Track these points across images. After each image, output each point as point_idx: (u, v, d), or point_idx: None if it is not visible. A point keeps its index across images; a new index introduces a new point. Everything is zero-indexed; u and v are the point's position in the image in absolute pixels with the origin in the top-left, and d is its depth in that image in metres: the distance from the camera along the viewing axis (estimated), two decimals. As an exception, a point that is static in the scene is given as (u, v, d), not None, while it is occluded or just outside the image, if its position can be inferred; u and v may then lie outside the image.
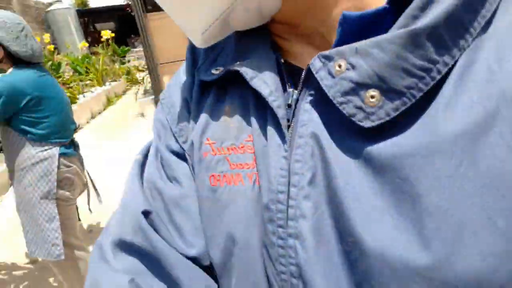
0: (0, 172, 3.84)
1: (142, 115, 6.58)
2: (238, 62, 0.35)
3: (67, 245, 1.83)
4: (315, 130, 0.29)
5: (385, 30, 0.26)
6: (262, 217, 0.31)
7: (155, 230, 0.37)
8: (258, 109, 0.34)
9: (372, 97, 0.25)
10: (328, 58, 0.27)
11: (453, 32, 0.24)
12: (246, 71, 0.33)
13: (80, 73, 8.77)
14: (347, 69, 0.26)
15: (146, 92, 7.39)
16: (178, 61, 5.85)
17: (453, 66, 0.24)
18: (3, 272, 2.49)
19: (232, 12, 0.31)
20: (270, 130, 0.31)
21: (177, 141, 0.41)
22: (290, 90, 0.32)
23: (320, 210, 0.28)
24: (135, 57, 13.85)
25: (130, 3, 6.22)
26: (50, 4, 13.41)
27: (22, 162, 1.71)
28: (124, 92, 9.69)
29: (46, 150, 1.73)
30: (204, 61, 0.40)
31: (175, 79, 0.45)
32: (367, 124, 0.26)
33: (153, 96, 6.57)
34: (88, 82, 8.52)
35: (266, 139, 0.32)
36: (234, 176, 0.34)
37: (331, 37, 0.30)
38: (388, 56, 0.25)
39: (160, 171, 0.41)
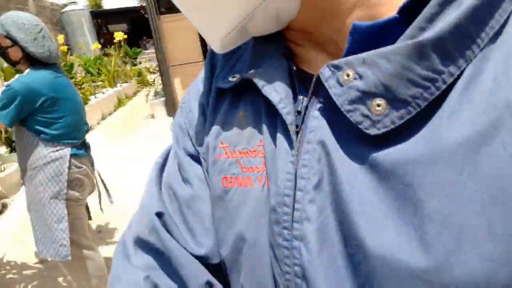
0: (12, 171, 3.90)
1: (153, 116, 6.63)
2: (252, 70, 0.36)
3: (76, 245, 1.84)
4: (323, 137, 0.30)
5: (395, 40, 0.27)
6: (270, 219, 0.32)
7: (168, 230, 0.39)
8: (269, 115, 0.35)
9: (378, 105, 0.26)
10: (337, 68, 0.28)
11: (459, 44, 0.24)
12: (258, 79, 0.34)
13: (92, 74, 8.87)
14: (355, 78, 0.27)
15: (156, 94, 7.45)
16: (189, 63, 5.89)
17: (459, 76, 0.25)
18: (13, 271, 2.52)
19: (251, 20, 0.32)
20: (280, 135, 0.33)
21: (193, 144, 0.43)
22: (301, 97, 0.34)
23: (325, 214, 0.29)
24: (146, 59, 13.98)
25: (144, 5, 6.28)
26: (65, 5, 13.63)
27: (34, 162, 1.73)
28: (135, 93, 9.78)
29: (58, 150, 1.75)
30: (222, 69, 0.42)
31: (194, 85, 0.46)
32: (373, 131, 0.26)
33: (163, 98, 6.62)
34: (99, 83, 8.62)
35: (276, 144, 0.33)
36: (245, 179, 0.35)
37: (344, 45, 0.30)
38: (393, 66, 0.25)
39: (176, 173, 0.43)
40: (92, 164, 1.97)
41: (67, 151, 1.77)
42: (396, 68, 0.25)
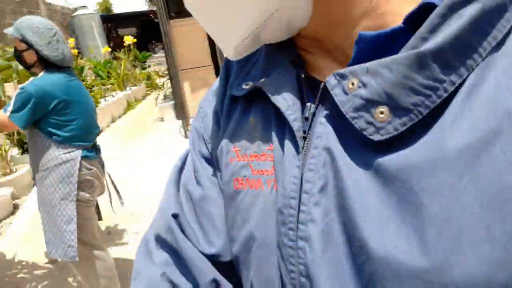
0: (24, 173, 3.96)
1: (162, 119, 6.68)
2: (263, 79, 0.38)
3: (86, 245, 1.87)
4: (329, 142, 0.31)
5: (400, 49, 0.28)
6: (277, 220, 0.34)
7: (182, 230, 0.43)
8: (278, 121, 0.36)
9: (382, 113, 0.27)
10: (343, 76, 0.29)
11: (460, 53, 0.25)
12: (268, 88, 0.36)
13: (101, 78, 8.96)
14: (359, 87, 0.28)
15: (166, 97, 7.50)
16: (198, 67, 5.93)
17: (461, 84, 0.25)
18: (24, 271, 2.55)
19: (264, 28, 0.33)
20: (287, 141, 0.34)
21: (207, 148, 0.45)
22: (308, 104, 0.35)
23: (330, 216, 0.30)
24: (155, 62, 14.08)
25: (154, 9, 6.33)
26: (76, 9, 13.81)
27: (45, 163, 1.76)
28: (144, 97, 9.85)
29: (69, 152, 1.78)
30: (237, 76, 0.43)
31: (211, 91, 0.49)
32: (377, 137, 0.27)
33: (172, 102, 6.66)
34: (109, 86, 8.70)
35: (284, 149, 0.34)
36: (255, 181, 0.37)
37: (352, 53, 0.32)
38: (395, 76, 0.26)
39: (191, 175, 0.46)
40: (102, 166, 2.00)
41: (78, 153, 1.80)
42: (397, 78, 0.26)
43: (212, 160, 0.44)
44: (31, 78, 1.72)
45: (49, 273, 2.49)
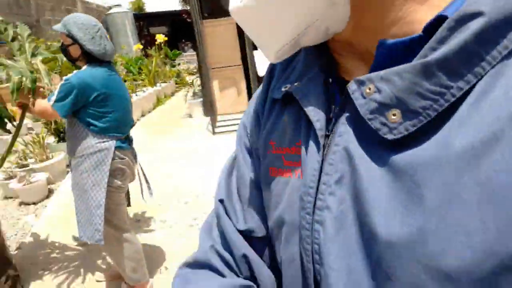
0: (59, 160, 4.16)
1: (190, 116, 6.81)
2: (296, 83, 0.43)
3: (117, 228, 1.99)
4: (348, 140, 0.35)
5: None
6: (299, 205, 0.39)
7: (226, 212, 0.52)
8: (306, 121, 0.41)
9: (394, 115, 0.30)
10: (362, 83, 0.33)
11: (466, 62, 0.27)
12: (297, 92, 0.41)
13: (133, 73, 9.22)
14: (375, 92, 0.31)
15: (195, 94, 7.64)
16: (227, 66, 6.02)
17: (470, 90, 0.28)
18: (56, 251, 2.71)
19: (304, 35, 0.37)
20: (312, 138, 0.39)
21: (249, 141, 0.53)
22: (333, 106, 0.39)
23: (345, 205, 0.34)
24: (185, 61, 14.31)
25: (187, 9, 6.46)
26: (110, 7, 14.22)
27: (81, 151, 1.88)
28: (173, 93, 10.05)
29: (104, 142, 1.89)
30: (278, 80, 0.48)
31: (257, 92, 0.56)
32: (390, 137, 0.30)
33: (201, 99, 6.79)
34: (140, 82, 8.94)
35: (308, 145, 0.39)
36: (286, 171, 0.43)
37: None
38: (405, 82, 0.29)
39: (236, 164, 0.54)
40: (135, 157, 2.10)
41: (112, 143, 1.91)
42: (406, 84, 0.29)
43: (252, 152, 0.52)
44: (75, 71, 1.84)
45: (79, 254, 2.63)
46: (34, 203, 3.65)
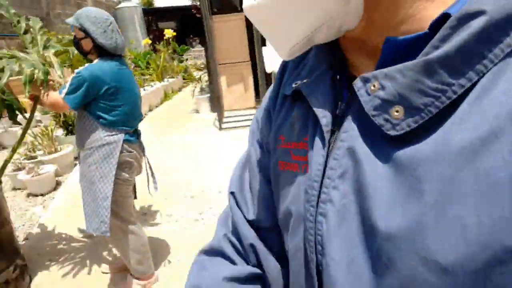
0: (67, 152, 4.20)
1: (197, 111, 6.83)
2: (305, 80, 0.44)
3: (123, 220, 2.01)
4: (353, 136, 0.36)
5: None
6: (304, 198, 0.41)
7: (237, 204, 0.55)
8: (314, 117, 0.42)
9: (397, 111, 0.31)
10: (367, 80, 0.34)
11: (468, 60, 0.28)
12: (305, 89, 0.43)
13: (141, 68, 9.25)
14: (379, 89, 0.32)
15: (202, 90, 7.65)
16: (235, 63, 6.02)
17: (472, 87, 0.28)
18: (63, 242, 2.74)
19: (317, 32, 0.37)
20: (318, 134, 0.40)
21: (261, 135, 0.54)
22: (340, 103, 0.40)
23: (348, 199, 0.35)
24: (192, 56, 14.33)
25: (196, 4, 6.46)
26: (120, 2, 14.28)
27: (90, 143, 1.90)
28: (180, 89, 10.08)
29: (112, 135, 1.91)
30: (289, 77, 0.49)
31: (270, 88, 0.57)
32: (393, 133, 0.31)
33: (208, 95, 6.81)
34: (147, 76, 8.98)
35: (315, 140, 0.40)
36: (293, 165, 0.44)
37: None
38: (407, 80, 0.30)
39: (249, 157, 0.56)
40: (142, 150, 2.12)
41: (120, 137, 1.93)
42: (409, 81, 0.30)
43: (263, 146, 0.53)
44: (86, 64, 1.86)
45: (85, 246, 2.67)
46: (42, 195, 3.69)
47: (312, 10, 0.34)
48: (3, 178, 2.21)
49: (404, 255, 0.29)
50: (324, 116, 0.39)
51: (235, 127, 5.36)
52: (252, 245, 0.52)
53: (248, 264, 0.53)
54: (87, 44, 1.85)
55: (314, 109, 0.40)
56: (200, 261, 0.56)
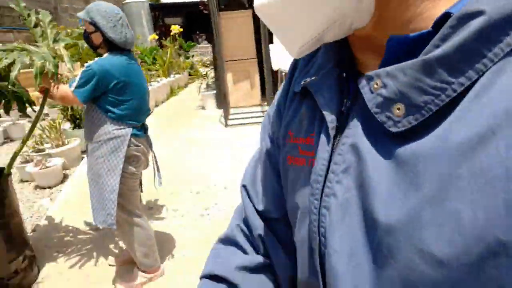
0: (75, 146, 4.24)
1: (203, 107, 6.84)
2: (314, 77, 0.45)
3: (129, 213, 2.04)
4: (357, 133, 0.37)
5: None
6: (309, 191, 0.42)
7: (248, 196, 0.58)
8: (320, 114, 0.43)
9: (398, 109, 0.32)
10: (370, 78, 0.35)
11: (467, 59, 0.28)
12: (312, 87, 0.44)
13: (147, 63, 9.28)
14: (381, 87, 0.33)
15: (208, 86, 7.66)
16: (242, 59, 6.02)
17: (472, 85, 0.29)
18: (70, 234, 2.78)
19: (328, 31, 0.37)
20: (324, 130, 0.41)
21: (272, 130, 0.56)
22: (345, 100, 0.41)
23: (350, 193, 0.36)
24: (198, 52, 14.32)
25: (204, 0, 6.45)
26: (127, -4, 14.29)
27: (98, 136, 1.93)
28: (186, 85, 10.10)
29: (120, 129, 1.93)
30: (299, 74, 0.51)
31: (282, 85, 0.58)
32: (394, 129, 0.32)
33: (214, 91, 6.81)
34: (154, 72, 9.00)
35: (320, 136, 0.42)
36: (301, 160, 0.46)
37: None
38: (408, 78, 0.31)
39: (262, 151, 0.59)
40: (149, 145, 2.14)
41: (128, 131, 1.95)
42: (409, 80, 0.31)
43: (274, 140, 0.55)
44: (96, 58, 1.88)
45: (91, 238, 2.70)
46: (50, 187, 3.73)
47: (324, 9, 0.35)
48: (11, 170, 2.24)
49: (402, 248, 0.30)
50: (329, 113, 0.40)
51: (241, 124, 5.38)
52: (260, 236, 0.55)
53: (258, 253, 0.56)
54: (97, 38, 1.86)
55: (320, 106, 0.42)
56: (216, 249, 0.59)
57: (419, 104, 0.30)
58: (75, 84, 1.81)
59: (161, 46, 11.12)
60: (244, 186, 0.59)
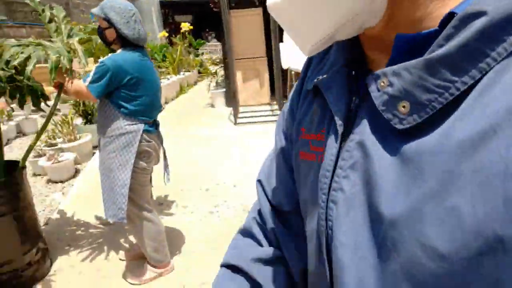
0: (86, 141, 4.29)
1: (212, 105, 6.86)
2: (325, 75, 0.46)
3: (140, 208, 2.06)
4: (365, 130, 0.38)
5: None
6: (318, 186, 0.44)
7: (263, 191, 0.61)
8: (330, 111, 0.44)
9: (404, 107, 0.33)
10: (377, 77, 0.35)
11: (469, 58, 0.29)
12: (322, 85, 0.45)
13: (157, 61, 9.31)
14: (388, 85, 0.34)
15: (217, 84, 7.68)
16: (252, 58, 6.03)
17: (475, 84, 0.29)
18: (81, 228, 2.81)
19: (340, 29, 0.38)
20: (333, 127, 0.43)
21: (285, 127, 0.59)
22: (354, 98, 0.42)
23: (356, 188, 0.38)
24: (208, 51, 14.35)
25: (215, -2, 6.44)
26: (138, -7, 14.35)
27: (111, 131, 1.95)
28: (195, 83, 10.13)
29: (133, 124, 1.95)
30: (312, 73, 0.52)
31: (296, 83, 0.60)
32: (400, 127, 0.33)
33: (224, 89, 6.83)
34: (163, 69, 9.04)
35: (330, 132, 0.43)
36: (311, 155, 0.47)
37: None
38: (412, 77, 0.32)
39: (276, 147, 0.61)
40: (160, 141, 2.16)
41: (140, 126, 1.97)
42: (414, 78, 0.32)
43: (287, 137, 0.57)
44: (110, 54, 1.89)
45: (102, 233, 2.73)
46: (62, 181, 3.78)
47: (337, 8, 0.36)
48: (26, 164, 2.27)
49: (405, 241, 0.31)
50: (338, 111, 0.42)
51: (250, 122, 5.38)
52: (273, 229, 0.58)
53: (272, 245, 0.59)
54: (111, 34, 1.88)
55: (329, 104, 0.43)
56: (235, 240, 0.63)
57: (423, 102, 0.31)
58: (89, 79, 1.83)
59: (171, 43, 11.16)
60: (259, 181, 0.62)
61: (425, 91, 0.31)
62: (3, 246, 2.07)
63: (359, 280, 0.36)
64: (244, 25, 5.80)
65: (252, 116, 5.57)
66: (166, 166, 2.27)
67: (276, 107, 5.94)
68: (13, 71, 1.88)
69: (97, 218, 2.91)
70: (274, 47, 5.35)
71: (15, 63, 1.71)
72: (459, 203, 0.27)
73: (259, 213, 0.61)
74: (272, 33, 5.28)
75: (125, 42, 1.90)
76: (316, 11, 0.37)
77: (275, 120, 5.28)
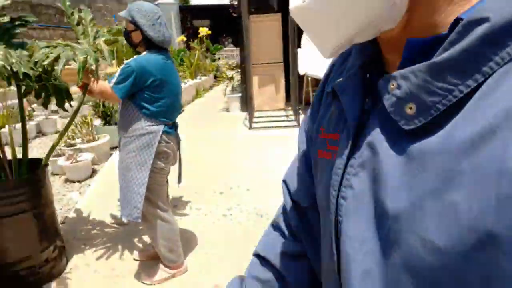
0: (105, 141, 4.35)
1: (227, 110, 6.89)
2: (341, 79, 0.49)
3: (156, 207, 2.09)
4: (375, 130, 0.40)
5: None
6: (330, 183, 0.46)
7: (288, 189, 0.65)
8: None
9: (410, 108, 0.34)
10: (388, 80, 0.37)
11: (472, 62, 0.30)
12: (338, 87, 0.48)
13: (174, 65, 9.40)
14: (396, 88, 0.36)
15: (233, 89, 7.72)
16: (268, 63, 6.05)
17: (478, 87, 0.30)
18: (97, 228, 2.85)
19: (358, 34, 0.39)
20: (347, 127, 0.45)
21: (307, 127, 0.62)
22: (367, 100, 0.44)
23: (365, 185, 0.40)
24: (224, 56, 14.45)
25: (233, 3, 6.51)
26: (158, -2, 14.58)
27: (132, 131, 1.98)
28: (211, 87, 10.21)
29: (153, 125, 1.99)
30: (334, 75, 0.55)
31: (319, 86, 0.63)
32: (407, 127, 0.35)
33: (239, 94, 6.86)
34: (181, 73, 9.13)
35: (343, 132, 0.45)
36: (328, 153, 0.50)
37: None
38: (418, 80, 0.33)
39: (299, 146, 0.65)
40: (178, 143, 2.20)
41: (160, 127, 2.00)
42: (420, 81, 0.33)
43: (308, 135, 0.60)
44: (135, 56, 1.94)
45: (117, 232, 2.76)
46: (79, 181, 3.83)
47: (358, 12, 0.37)
48: (48, 161, 2.32)
49: (406, 235, 0.33)
50: (351, 112, 0.44)
51: (264, 127, 5.39)
52: (296, 226, 0.63)
53: (296, 240, 0.64)
54: (137, 37, 1.92)
55: (344, 105, 0.46)
56: (268, 230, 0.69)
57: (428, 104, 0.33)
58: (114, 80, 1.87)
59: (188, 47, 11.27)
60: (284, 181, 0.67)
61: (430, 93, 0.33)
62: (22, 242, 2.11)
63: (365, 272, 0.38)
64: (262, 30, 5.83)
65: (267, 121, 5.58)
66: (179, 168, 2.30)
67: (291, 112, 5.94)
68: (40, 70, 1.93)
69: (113, 218, 2.95)
70: (291, 53, 5.37)
71: (45, 63, 1.76)
72: (457, 200, 0.29)
73: (284, 210, 0.66)
74: (290, 39, 5.30)
75: (150, 44, 1.94)
76: (338, 15, 0.38)
77: (290, 126, 5.30)
